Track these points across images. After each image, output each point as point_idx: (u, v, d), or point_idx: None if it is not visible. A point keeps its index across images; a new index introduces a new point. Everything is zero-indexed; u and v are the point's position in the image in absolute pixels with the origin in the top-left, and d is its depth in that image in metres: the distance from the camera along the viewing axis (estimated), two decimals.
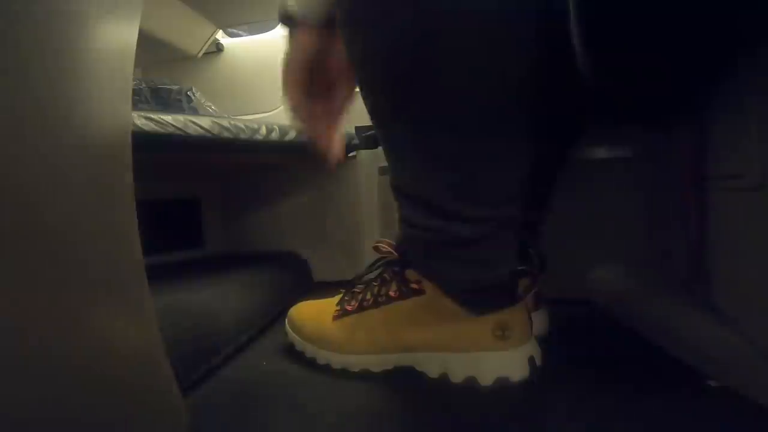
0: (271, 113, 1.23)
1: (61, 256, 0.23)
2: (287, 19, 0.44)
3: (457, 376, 0.43)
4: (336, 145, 0.47)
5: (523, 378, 0.42)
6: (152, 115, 0.49)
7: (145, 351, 0.30)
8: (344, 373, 0.46)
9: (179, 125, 0.52)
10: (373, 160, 0.89)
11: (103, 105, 0.27)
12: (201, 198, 0.98)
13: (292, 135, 0.72)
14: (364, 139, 0.88)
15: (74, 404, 0.23)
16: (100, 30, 0.27)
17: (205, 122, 0.56)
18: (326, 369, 0.47)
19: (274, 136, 0.68)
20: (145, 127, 0.48)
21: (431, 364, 0.44)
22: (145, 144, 0.47)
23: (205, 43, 1.17)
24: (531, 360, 0.43)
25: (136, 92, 0.76)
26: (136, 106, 0.71)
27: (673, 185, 0.53)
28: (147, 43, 0.96)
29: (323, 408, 0.39)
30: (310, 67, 0.44)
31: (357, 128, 0.91)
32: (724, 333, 0.40)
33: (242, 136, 0.62)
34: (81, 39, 0.25)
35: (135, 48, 0.30)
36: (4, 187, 0.20)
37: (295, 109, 0.46)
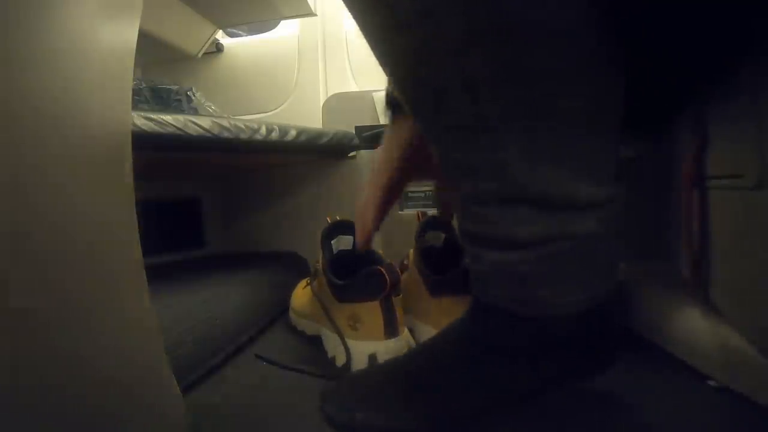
0: (271, 113, 1.23)
1: (61, 256, 0.23)
2: (392, 105, 0.42)
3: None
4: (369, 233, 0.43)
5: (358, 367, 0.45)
6: (152, 115, 0.49)
7: (146, 351, 0.30)
8: (344, 372, 0.46)
9: (179, 125, 0.52)
10: (373, 160, 0.89)
11: (103, 105, 0.27)
12: (201, 198, 0.98)
13: (292, 135, 0.72)
14: (364, 139, 0.88)
15: (74, 404, 0.23)
16: (100, 30, 0.27)
17: (205, 122, 0.56)
18: (326, 369, 0.47)
19: (274, 136, 0.68)
20: (145, 127, 0.48)
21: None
22: (145, 144, 0.47)
23: (205, 43, 1.17)
24: (371, 357, 0.45)
25: (136, 92, 0.76)
26: (136, 106, 0.72)
27: (673, 185, 0.53)
28: (147, 43, 0.96)
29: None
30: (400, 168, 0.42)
31: (357, 128, 0.91)
32: (724, 333, 0.39)
33: (242, 136, 0.62)
34: (81, 39, 0.25)
35: (135, 48, 0.30)
36: (3, 187, 0.20)
37: (367, 209, 0.43)
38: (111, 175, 0.28)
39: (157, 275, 0.31)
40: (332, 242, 0.57)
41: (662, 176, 0.57)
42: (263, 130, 0.66)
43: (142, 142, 0.42)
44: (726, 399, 0.36)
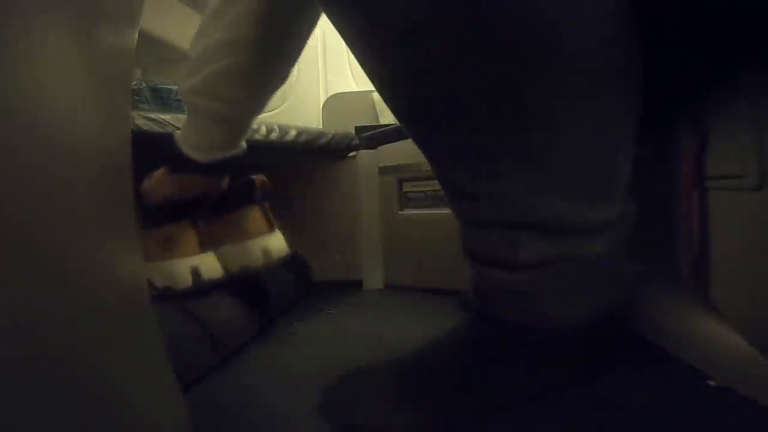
0: (271, 113, 1.23)
1: (60, 256, 0.23)
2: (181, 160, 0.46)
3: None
4: None
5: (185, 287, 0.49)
6: (152, 115, 0.49)
7: (146, 351, 0.30)
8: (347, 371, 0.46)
9: (179, 125, 0.52)
10: (373, 160, 0.89)
11: (104, 105, 0.27)
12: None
13: (292, 135, 0.72)
14: (364, 139, 0.88)
15: (74, 405, 0.23)
16: (100, 30, 0.27)
17: None
18: (329, 367, 0.47)
19: (274, 136, 0.68)
20: (145, 127, 0.48)
21: None
22: (145, 144, 0.47)
23: None
24: (194, 271, 0.49)
25: (136, 92, 0.76)
26: (136, 106, 0.71)
27: (673, 185, 0.53)
28: (147, 43, 0.96)
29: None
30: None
31: (357, 128, 0.91)
32: (724, 333, 0.39)
33: None
34: (81, 39, 0.25)
35: (135, 48, 0.30)
36: (2, 188, 0.20)
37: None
38: (111, 176, 0.28)
39: None
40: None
41: (662, 177, 0.57)
42: (263, 130, 0.66)
43: (142, 142, 0.42)
44: (726, 399, 0.36)
